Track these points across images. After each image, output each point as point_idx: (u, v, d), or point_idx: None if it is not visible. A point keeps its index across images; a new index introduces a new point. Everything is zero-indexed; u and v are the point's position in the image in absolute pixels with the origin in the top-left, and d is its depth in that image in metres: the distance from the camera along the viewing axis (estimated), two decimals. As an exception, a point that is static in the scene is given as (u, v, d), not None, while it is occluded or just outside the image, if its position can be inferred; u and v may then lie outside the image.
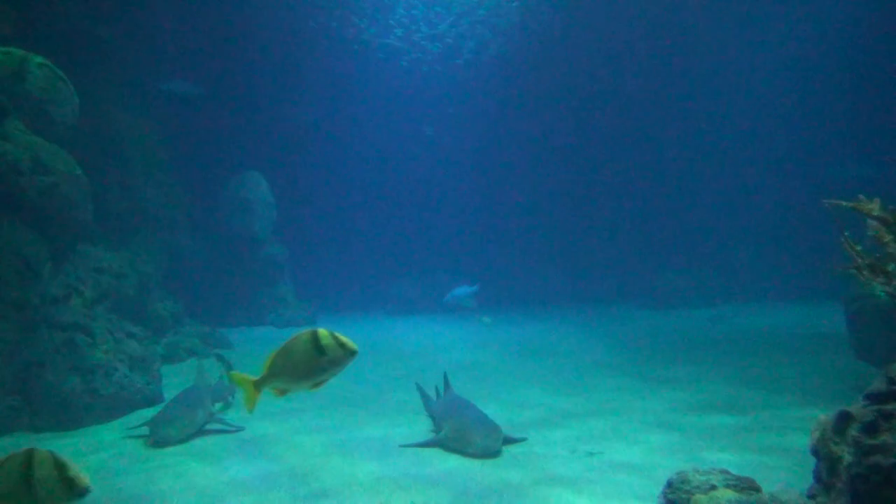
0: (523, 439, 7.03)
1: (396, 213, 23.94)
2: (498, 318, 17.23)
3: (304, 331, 4.15)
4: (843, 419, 3.33)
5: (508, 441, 6.84)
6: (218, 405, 8.48)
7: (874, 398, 3.23)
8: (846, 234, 3.92)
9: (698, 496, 3.93)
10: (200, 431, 7.46)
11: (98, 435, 7.69)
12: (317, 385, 4.18)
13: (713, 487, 3.96)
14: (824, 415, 3.55)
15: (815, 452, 3.55)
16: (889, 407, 3.13)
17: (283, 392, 4.28)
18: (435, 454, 6.65)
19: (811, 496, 3.56)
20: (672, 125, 22.79)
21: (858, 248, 3.90)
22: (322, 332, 4.11)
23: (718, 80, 21.83)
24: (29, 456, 3.19)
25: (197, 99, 16.09)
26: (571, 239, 23.38)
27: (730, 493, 3.87)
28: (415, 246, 22.54)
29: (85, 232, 10.18)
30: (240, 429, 7.64)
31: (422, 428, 7.68)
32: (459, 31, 20.88)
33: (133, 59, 14.58)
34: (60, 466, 3.17)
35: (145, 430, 7.40)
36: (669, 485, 4.17)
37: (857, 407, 3.30)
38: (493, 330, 15.95)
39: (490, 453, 6.49)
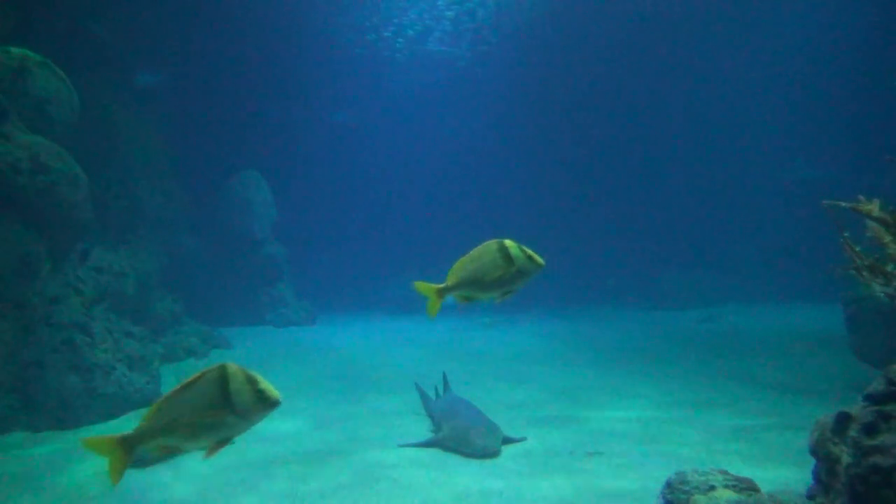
0: (522, 439, 7.03)
1: (396, 212, 23.95)
2: (498, 318, 17.26)
3: (491, 241, 4.15)
4: (843, 420, 3.32)
5: (508, 441, 6.84)
6: None
7: (873, 399, 3.23)
8: (846, 234, 3.91)
9: (697, 496, 3.93)
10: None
11: (94, 435, 7.67)
12: (504, 295, 4.17)
13: (712, 488, 3.95)
14: (823, 415, 3.55)
15: (815, 453, 3.54)
16: (888, 408, 3.13)
17: (467, 300, 4.25)
18: (434, 454, 6.66)
19: (810, 497, 3.55)
20: (673, 125, 22.83)
21: (858, 248, 3.89)
22: (509, 242, 4.11)
23: (717, 80, 21.90)
24: (222, 370, 3.33)
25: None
26: (572, 239, 23.37)
27: (729, 494, 3.86)
28: (414, 245, 22.53)
29: (84, 231, 10.17)
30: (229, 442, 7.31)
31: (421, 428, 7.68)
32: (459, 29, 20.88)
33: (133, 58, 14.57)
34: (251, 380, 3.32)
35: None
36: (668, 485, 4.16)
37: (856, 408, 3.30)
38: (493, 329, 15.99)
39: (489, 453, 6.48)
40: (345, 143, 23.30)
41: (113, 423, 8.11)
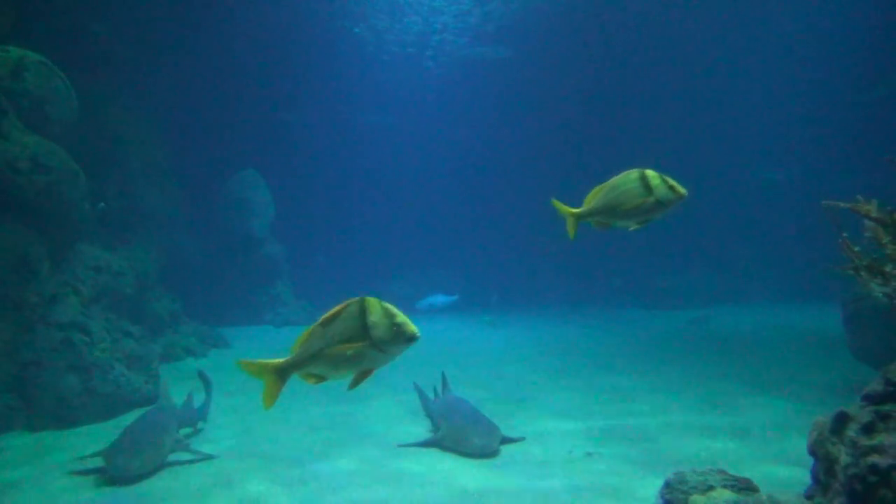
0: (521, 439, 7.04)
1: (395, 212, 23.93)
2: (499, 318, 17.30)
3: (632, 169, 4.07)
4: (841, 420, 3.33)
5: (506, 440, 6.85)
6: (185, 430, 7.39)
7: (871, 399, 3.23)
8: (844, 234, 3.91)
9: (696, 496, 3.93)
10: (164, 463, 6.29)
11: (93, 435, 7.66)
12: (641, 224, 4.11)
13: (711, 488, 3.95)
14: (822, 416, 3.55)
15: (813, 453, 3.55)
16: (886, 408, 3.14)
17: (604, 226, 4.18)
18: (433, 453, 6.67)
19: (809, 496, 3.56)
20: (672, 125, 22.83)
21: (856, 248, 3.89)
22: (649, 172, 4.04)
23: (715, 82, 21.94)
24: (362, 303, 3.42)
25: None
26: (578, 239, 23.28)
27: (727, 494, 3.86)
28: (413, 245, 22.52)
29: (83, 231, 10.17)
30: (210, 457, 6.59)
31: (420, 427, 7.68)
32: (458, 27, 20.88)
33: (131, 57, 14.56)
34: (389, 314, 3.39)
35: (100, 459, 6.20)
36: (667, 485, 4.16)
37: (854, 408, 3.30)
38: (496, 329, 16.06)
39: (488, 453, 6.49)
40: (345, 143, 23.28)
41: (111, 422, 8.08)
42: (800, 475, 4.14)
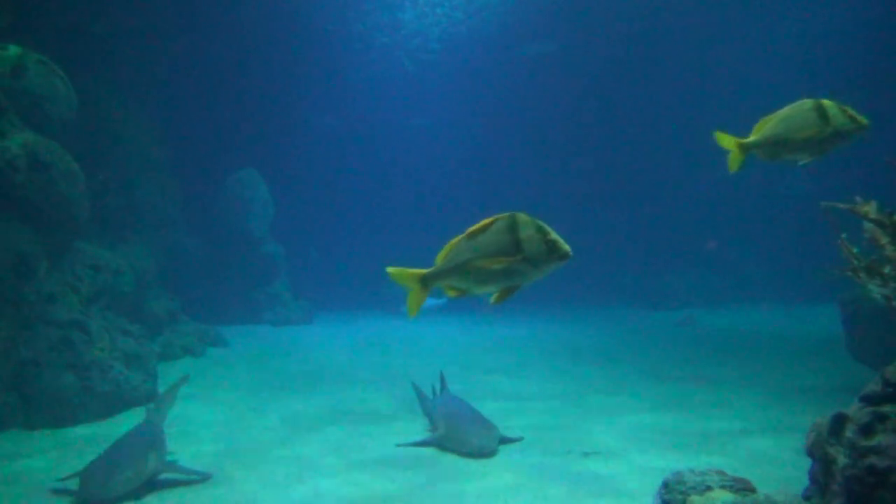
0: (520, 439, 7.04)
1: (395, 211, 23.92)
2: (498, 318, 17.32)
3: (805, 99, 3.86)
4: (839, 421, 3.33)
5: (504, 441, 6.85)
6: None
7: (869, 400, 3.24)
8: (843, 235, 3.91)
9: (694, 497, 3.93)
10: (153, 484, 5.64)
11: (91, 434, 7.64)
12: (815, 156, 3.87)
13: (709, 488, 3.95)
14: (820, 417, 3.55)
15: (811, 454, 3.55)
16: (884, 409, 3.14)
17: (772, 157, 3.97)
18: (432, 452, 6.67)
19: (807, 497, 3.56)
20: (671, 126, 22.85)
21: (855, 250, 3.90)
22: (826, 101, 3.82)
23: (718, 86, 21.95)
24: (513, 218, 3.32)
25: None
26: (572, 239, 23.31)
27: (725, 495, 3.87)
28: (413, 244, 22.47)
29: (81, 229, 10.14)
30: (205, 476, 5.91)
31: (418, 427, 7.68)
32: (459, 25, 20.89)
33: (131, 56, 14.55)
34: (541, 230, 3.29)
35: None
36: (665, 485, 4.16)
37: (852, 409, 3.31)
38: (493, 328, 16.13)
39: (486, 453, 6.49)
40: (342, 141, 23.28)
41: (110, 421, 8.07)
42: (797, 475, 4.14)
